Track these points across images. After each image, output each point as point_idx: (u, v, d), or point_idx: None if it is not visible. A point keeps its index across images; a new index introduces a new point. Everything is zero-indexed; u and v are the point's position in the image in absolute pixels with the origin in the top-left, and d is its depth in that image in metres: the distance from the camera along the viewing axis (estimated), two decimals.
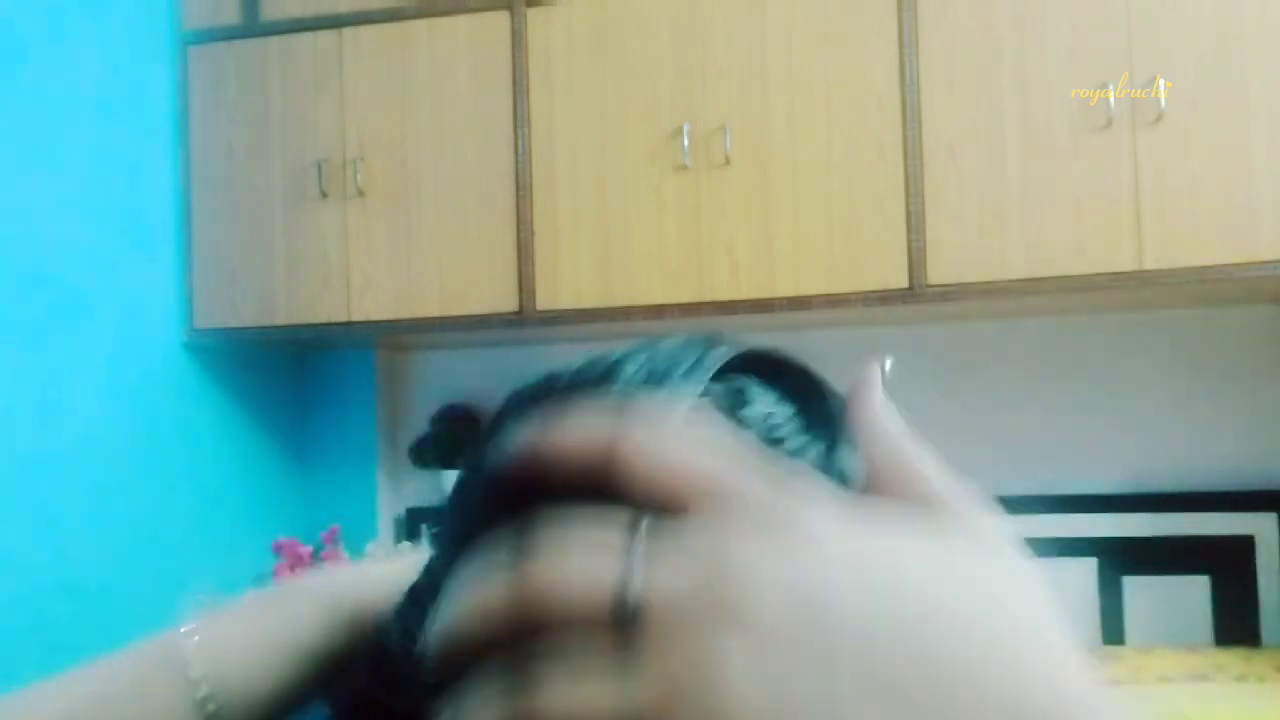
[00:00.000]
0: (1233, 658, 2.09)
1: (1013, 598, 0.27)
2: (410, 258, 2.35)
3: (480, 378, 2.72)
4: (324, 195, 2.38)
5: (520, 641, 0.26)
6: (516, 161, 2.29)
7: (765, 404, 0.35)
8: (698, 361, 0.35)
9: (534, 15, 2.30)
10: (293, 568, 2.47)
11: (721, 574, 0.25)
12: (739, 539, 0.25)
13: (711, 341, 0.36)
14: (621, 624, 0.25)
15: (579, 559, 0.26)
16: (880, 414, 0.34)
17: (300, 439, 2.79)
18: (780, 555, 0.25)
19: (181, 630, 0.46)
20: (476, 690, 0.26)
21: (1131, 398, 2.37)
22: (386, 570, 0.49)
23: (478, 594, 0.27)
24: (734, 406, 0.34)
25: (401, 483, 2.77)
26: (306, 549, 2.51)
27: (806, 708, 0.24)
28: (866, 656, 0.24)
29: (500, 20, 2.32)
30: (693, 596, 0.25)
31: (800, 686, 0.24)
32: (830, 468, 0.34)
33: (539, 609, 0.26)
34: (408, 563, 0.44)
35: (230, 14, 2.47)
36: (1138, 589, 2.31)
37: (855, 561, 0.26)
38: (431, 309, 2.33)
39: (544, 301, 2.27)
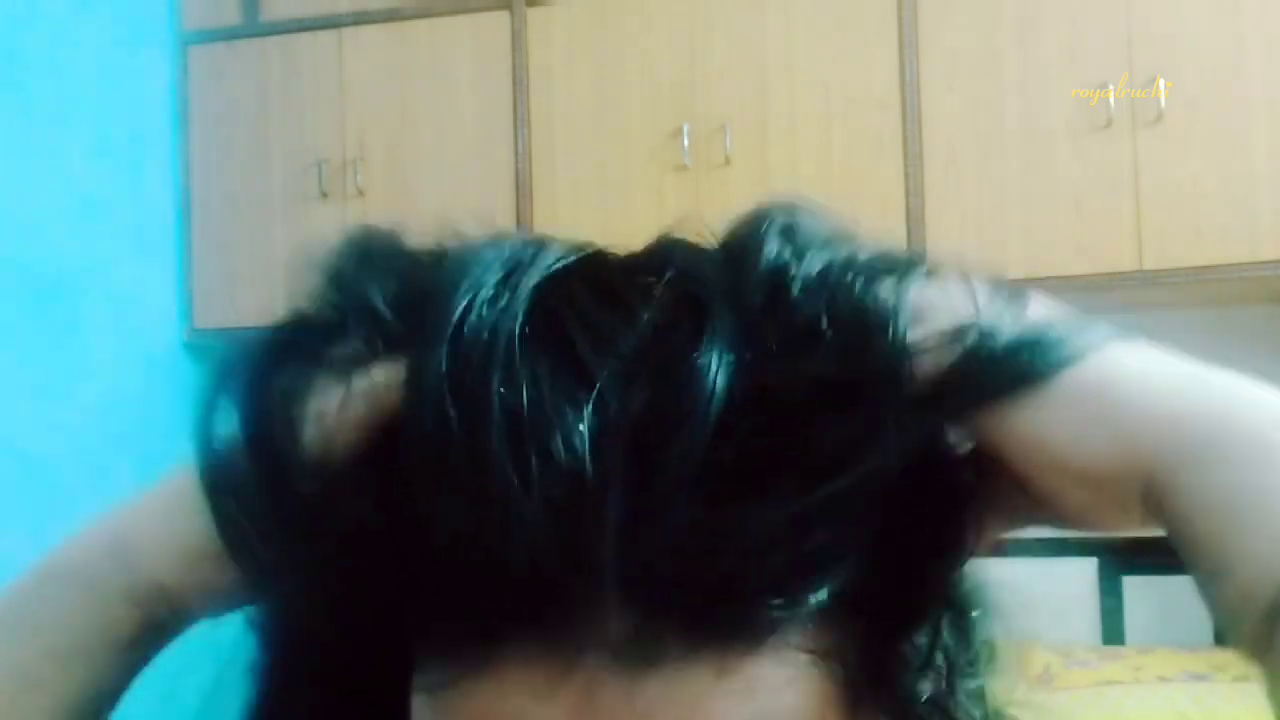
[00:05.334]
0: (1233, 658, 2.08)
1: None
2: None
3: None
4: (324, 195, 2.38)
5: None
6: (516, 161, 2.29)
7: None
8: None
9: (534, 15, 2.30)
10: None
11: None
12: None
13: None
14: None
15: None
16: None
17: None
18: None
19: None
20: None
21: None
22: (148, 510, 0.37)
23: None
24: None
25: None
26: None
27: None
28: None
29: (500, 20, 2.32)
30: None
31: None
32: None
33: None
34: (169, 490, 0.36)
35: (230, 14, 2.47)
36: (1138, 589, 2.30)
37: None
38: None
39: None
